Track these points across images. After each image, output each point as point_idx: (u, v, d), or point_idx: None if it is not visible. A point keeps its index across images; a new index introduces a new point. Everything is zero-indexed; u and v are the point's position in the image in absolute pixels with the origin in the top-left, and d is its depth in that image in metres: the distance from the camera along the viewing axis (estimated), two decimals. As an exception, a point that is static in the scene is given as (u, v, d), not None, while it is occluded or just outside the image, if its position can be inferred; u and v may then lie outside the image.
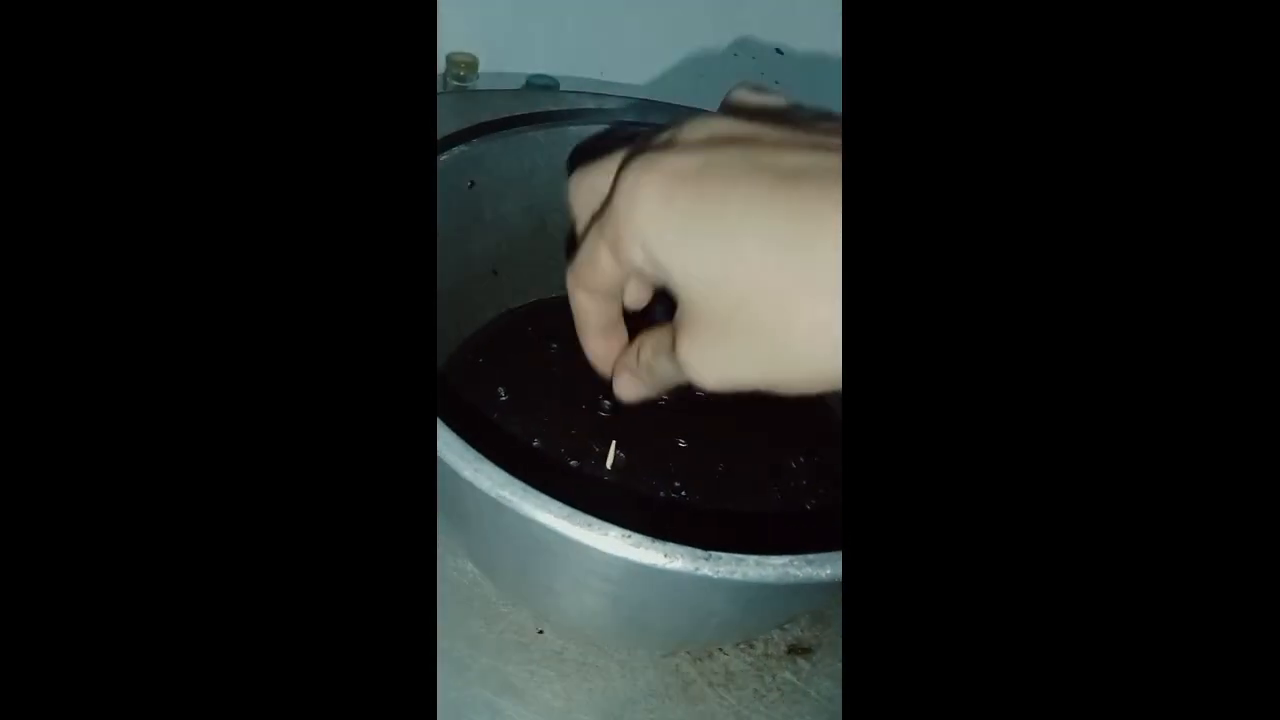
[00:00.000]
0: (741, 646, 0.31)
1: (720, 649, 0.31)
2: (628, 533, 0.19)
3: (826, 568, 0.18)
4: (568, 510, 0.19)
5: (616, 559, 0.19)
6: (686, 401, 0.35)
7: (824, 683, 0.30)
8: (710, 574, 0.18)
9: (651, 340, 0.22)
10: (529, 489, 0.20)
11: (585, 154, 0.27)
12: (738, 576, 0.18)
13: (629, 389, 0.25)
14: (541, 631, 0.30)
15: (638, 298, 0.25)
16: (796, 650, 0.31)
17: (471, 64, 0.54)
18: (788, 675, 0.30)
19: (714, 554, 0.19)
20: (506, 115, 0.37)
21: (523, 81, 0.56)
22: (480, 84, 0.54)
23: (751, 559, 0.18)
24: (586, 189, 0.22)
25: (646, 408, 0.32)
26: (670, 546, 0.19)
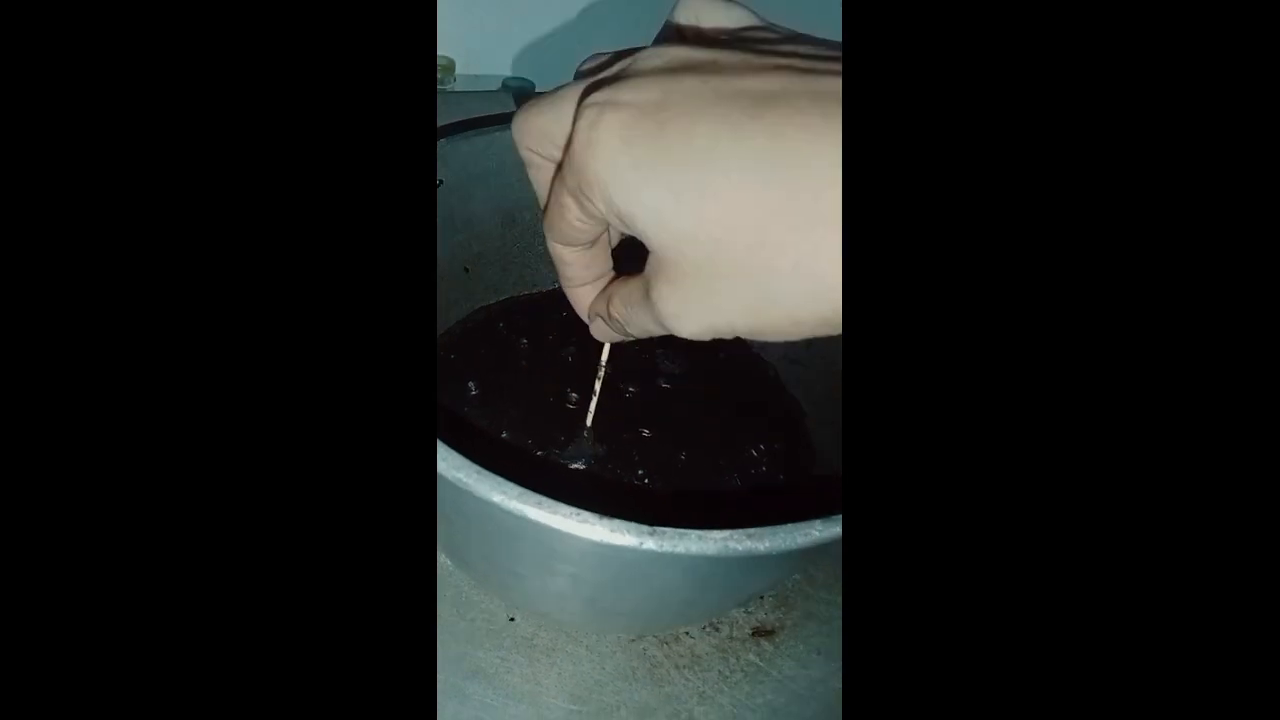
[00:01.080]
0: (707, 629, 0.32)
1: (686, 632, 0.31)
2: (578, 510, 0.20)
3: (765, 540, 0.19)
4: (519, 490, 0.20)
5: (570, 537, 0.20)
6: (653, 391, 0.36)
7: (786, 663, 0.31)
8: (655, 548, 0.19)
9: (620, 293, 0.20)
10: (484, 472, 0.20)
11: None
12: (681, 550, 0.19)
13: (603, 335, 0.23)
14: (513, 619, 0.31)
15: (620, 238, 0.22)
16: (760, 633, 0.32)
17: (448, 67, 0.55)
18: (751, 657, 0.31)
19: (659, 529, 0.19)
20: (476, 116, 0.38)
21: (499, 84, 0.57)
22: (457, 87, 0.55)
23: (694, 533, 0.19)
24: (535, 133, 0.19)
25: (613, 401, 0.33)
26: (616, 522, 0.19)
